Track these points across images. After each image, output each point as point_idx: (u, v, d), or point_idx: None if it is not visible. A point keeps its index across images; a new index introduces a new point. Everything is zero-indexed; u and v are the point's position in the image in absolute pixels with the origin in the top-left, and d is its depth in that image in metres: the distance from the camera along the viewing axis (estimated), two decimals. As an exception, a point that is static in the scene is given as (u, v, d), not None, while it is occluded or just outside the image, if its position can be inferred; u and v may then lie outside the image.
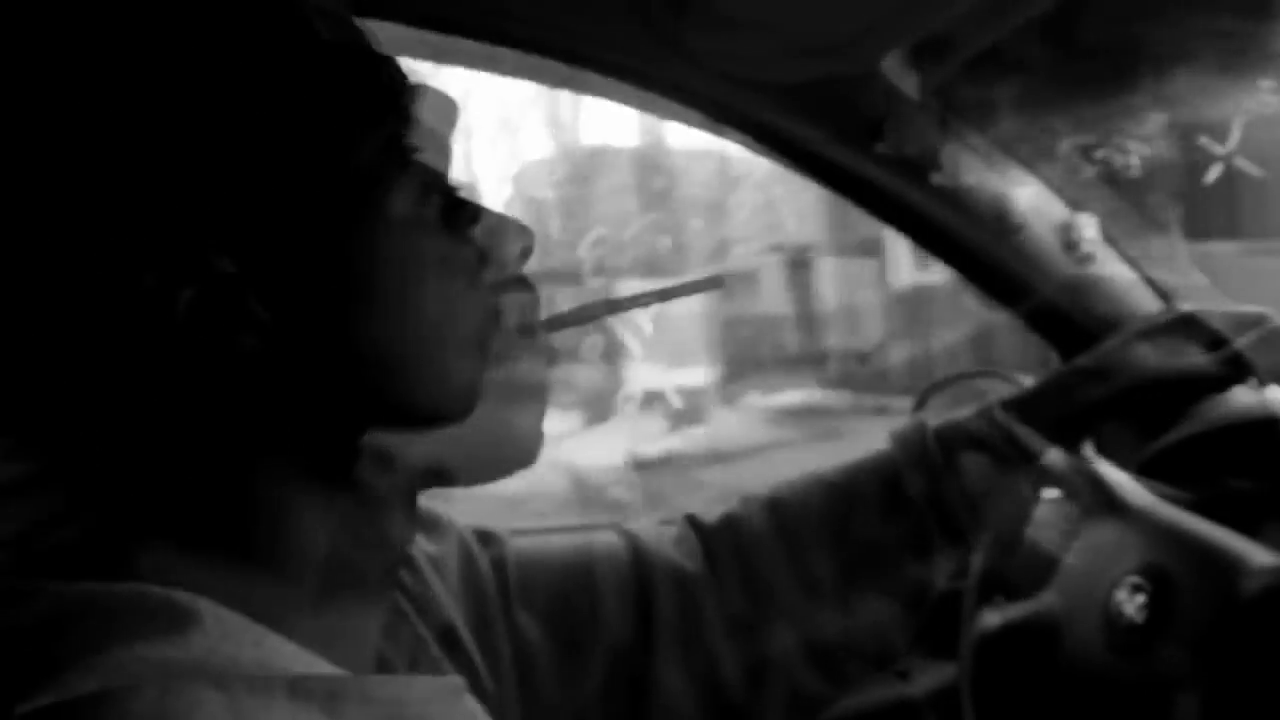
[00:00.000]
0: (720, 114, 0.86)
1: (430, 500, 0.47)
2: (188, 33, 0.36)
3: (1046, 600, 0.68)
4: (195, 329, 0.35)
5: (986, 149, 0.89)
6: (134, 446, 0.37)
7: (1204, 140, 0.97)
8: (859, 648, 0.65)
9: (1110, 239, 0.93)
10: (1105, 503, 0.68)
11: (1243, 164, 0.95)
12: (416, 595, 0.53)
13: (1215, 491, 0.71)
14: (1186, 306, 0.70)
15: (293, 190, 0.37)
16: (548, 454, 0.47)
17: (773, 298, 9.93)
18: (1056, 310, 0.94)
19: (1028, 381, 0.77)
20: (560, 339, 0.50)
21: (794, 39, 0.74)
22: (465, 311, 0.42)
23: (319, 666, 0.37)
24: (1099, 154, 0.95)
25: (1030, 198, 0.91)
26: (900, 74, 0.80)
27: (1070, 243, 0.91)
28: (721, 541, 0.65)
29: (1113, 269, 0.93)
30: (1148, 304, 0.94)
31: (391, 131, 0.40)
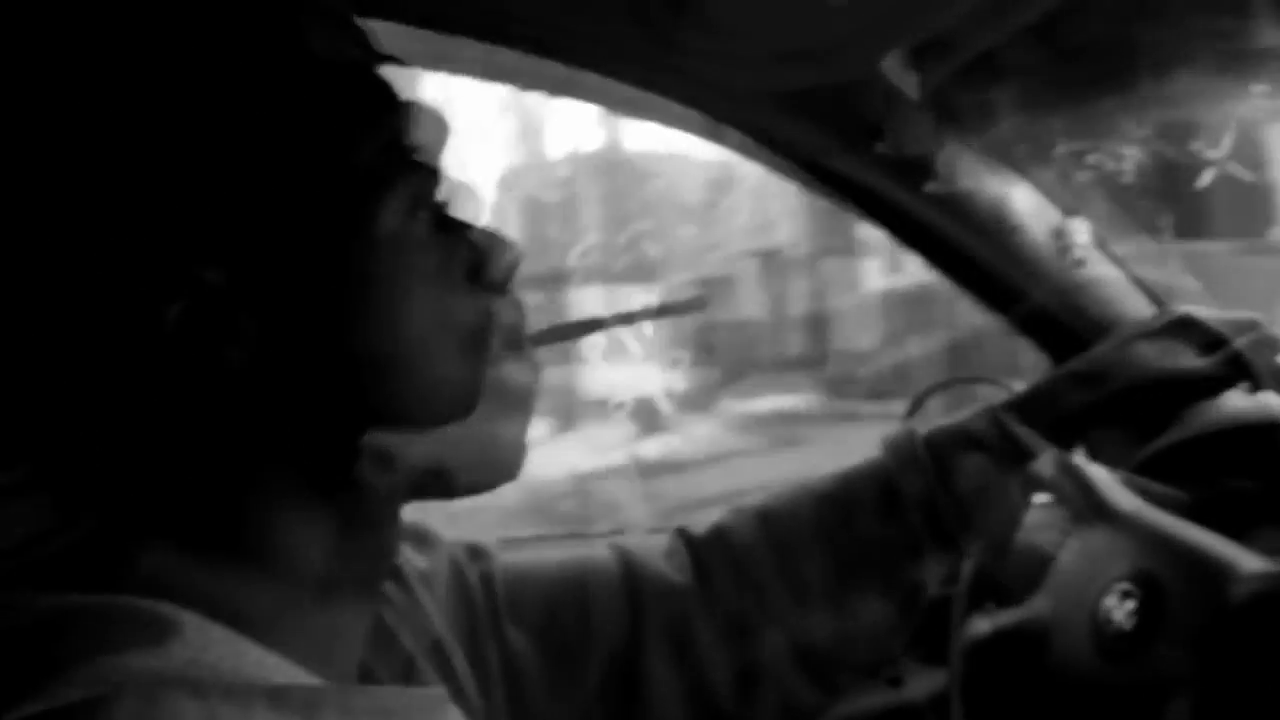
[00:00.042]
0: (718, 118, 0.86)
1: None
2: (178, 46, 0.36)
3: (1037, 606, 0.67)
4: (184, 341, 0.35)
5: (980, 153, 0.89)
6: (127, 455, 0.38)
7: (1196, 145, 0.97)
8: (851, 656, 0.65)
9: (1102, 243, 0.93)
10: (1095, 508, 0.68)
11: (1234, 169, 0.96)
12: (404, 609, 0.53)
13: (1211, 494, 0.71)
14: (1180, 309, 0.70)
15: (282, 203, 0.37)
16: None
17: (749, 303, 9.95)
18: (1048, 314, 0.94)
19: (1019, 387, 0.77)
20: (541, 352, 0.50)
21: (790, 43, 0.74)
22: (458, 316, 0.43)
23: (300, 679, 0.37)
24: (1091, 159, 0.95)
25: (1023, 202, 0.91)
26: (900, 75, 0.80)
27: (1062, 247, 0.91)
28: (712, 553, 0.65)
29: (1105, 272, 0.93)
30: (1140, 308, 0.94)
31: (382, 144, 0.40)
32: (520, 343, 0.47)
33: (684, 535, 0.67)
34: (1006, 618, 0.67)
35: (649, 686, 0.60)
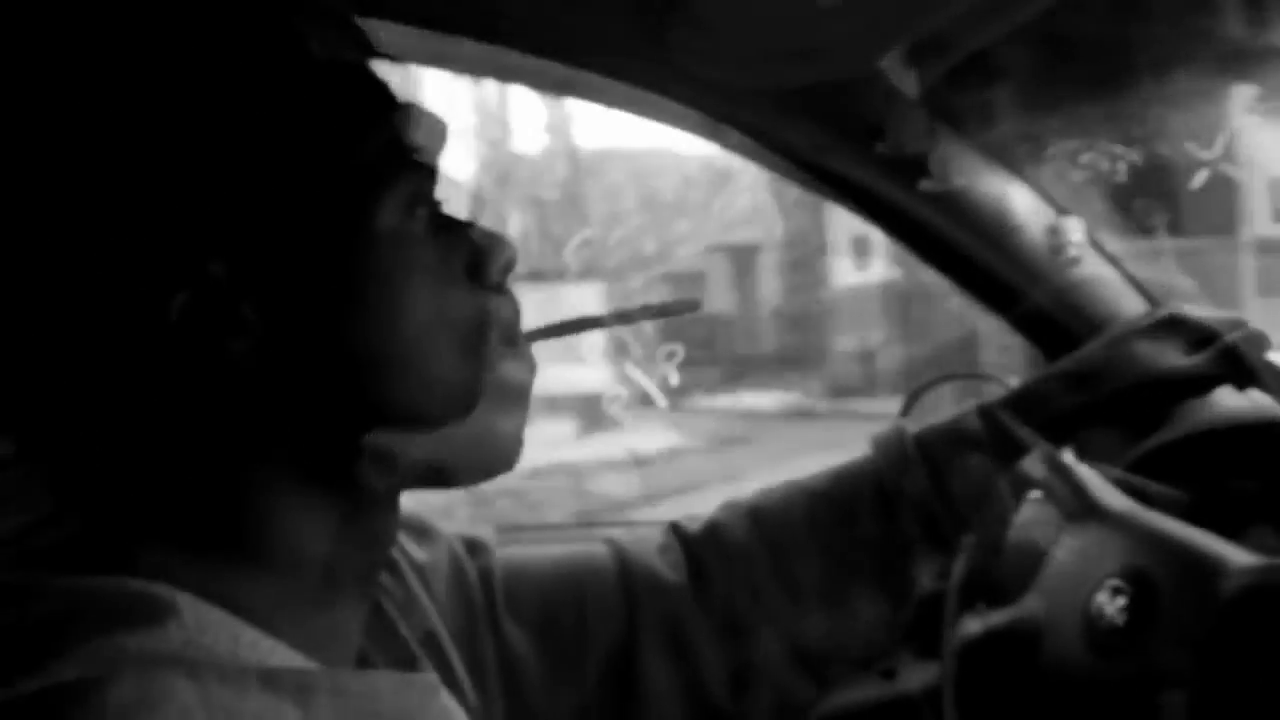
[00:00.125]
0: (717, 117, 0.86)
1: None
2: (181, 44, 0.37)
3: (1029, 604, 0.68)
4: (188, 333, 0.36)
5: (975, 152, 0.90)
6: (129, 446, 0.38)
7: (1190, 145, 0.98)
8: (845, 651, 0.66)
9: (1096, 242, 0.94)
10: (1085, 506, 0.69)
11: (1228, 169, 0.96)
12: (400, 600, 0.54)
13: (1209, 493, 0.72)
14: (1172, 307, 0.70)
15: (283, 199, 0.38)
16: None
17: (717, 298, 9.92)
18: (1043, 312, 0.94)
19: (1014, 383, 0.77)
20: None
21: (783, 42, 0.74)
22: (457, 313, 0.43)
23: (295, 662, 0.38)
24: (1085, 158, 0.96)
25: (1018, 201, 0.92)
26: (899, 74, 0.80)
27: (1057, 245, 0.92)
28: (706, 550, 0.65)
29: (1099, 271, 0.94)
30: (1134, 306, 0.95)
31: (381, 143, 0.41)
32: (517, 339, 0.47)
33: (678, 531, 0.67)
34: (998, 618, 0.68)
35: (645, 683, 0.61)
